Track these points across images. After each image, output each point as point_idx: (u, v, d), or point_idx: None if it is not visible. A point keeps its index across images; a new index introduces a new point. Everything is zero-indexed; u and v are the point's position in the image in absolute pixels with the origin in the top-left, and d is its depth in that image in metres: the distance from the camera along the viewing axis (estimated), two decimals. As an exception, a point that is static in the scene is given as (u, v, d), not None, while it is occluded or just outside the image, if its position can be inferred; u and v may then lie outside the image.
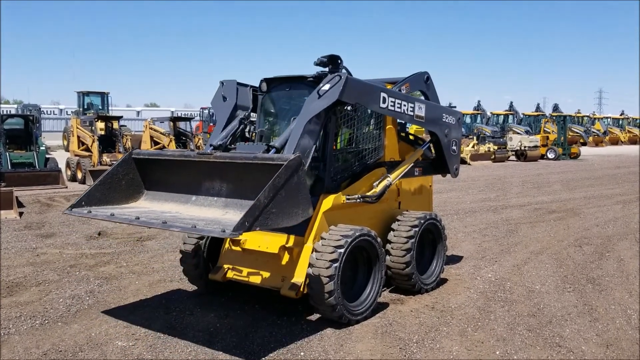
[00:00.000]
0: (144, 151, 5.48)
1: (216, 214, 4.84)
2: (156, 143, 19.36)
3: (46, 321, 5.24)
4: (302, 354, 4.53)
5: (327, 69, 5.48)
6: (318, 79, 5.40)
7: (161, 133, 19.67)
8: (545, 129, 33.36)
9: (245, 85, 6.08)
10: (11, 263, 7.34)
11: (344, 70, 5.48)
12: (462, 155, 20.11)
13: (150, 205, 5.32)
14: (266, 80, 5.95)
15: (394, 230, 5.92)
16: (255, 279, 5.44)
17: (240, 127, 5.86)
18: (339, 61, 5.50)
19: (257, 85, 6.03)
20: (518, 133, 31.75)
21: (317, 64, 5.49)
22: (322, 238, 5.07)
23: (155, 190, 5.45)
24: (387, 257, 5.78)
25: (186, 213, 4.97)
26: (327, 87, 5.09)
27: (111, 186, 5.26)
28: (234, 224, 3.98)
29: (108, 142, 18.13)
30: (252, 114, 6.08)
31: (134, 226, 9.89)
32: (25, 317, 5.32)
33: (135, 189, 5.44)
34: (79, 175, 16.74)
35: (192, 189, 5.18)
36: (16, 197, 11.53)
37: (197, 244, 5.84)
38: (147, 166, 5.43)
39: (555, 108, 51.48)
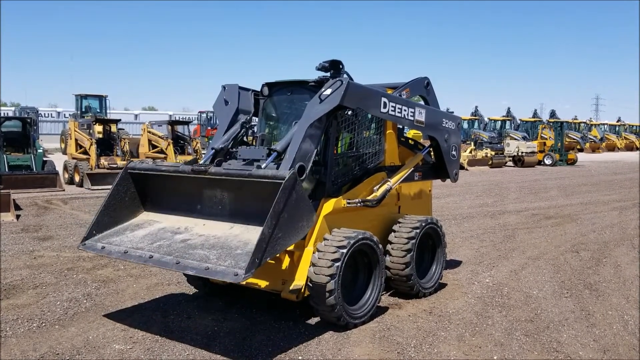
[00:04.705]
0: (140, 165, 5.50)
1: (224, 229, 4.87)
2: (154, 147, 19.37)
3: (43, 324, 5.22)
4: (300, 358, 4.53)
5: (328, 74, 5.50)
6: (319, 83, 5.43)
7: (159, 136, 19.66)
8: (542, 135, 33.50)
9: (247, 90, 6.11)
10: (8, 266, 7.32)
11: (345, 75, 5.51)
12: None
13: (158, 220, 5.33)
14: (268, 84, 5.97)
15: (395, 231, 5.94)
16: (256, 282, 5.44)
17: (242, 131, 5.88)
18: (341, 66, 5.53)
19: (259, 89, 6.06)
20: (515, 139, 31.87)
21: (318, 69, 5.52)
22: (324, 239, 5.09)
23: (156, 203, 5.48)
24: (387, 258, 5.79)
25: (194, 231, 4.99)
26: (328, 91, 5.12)
27: (116, 207, 5.33)
28: (245, 263, 4.07)
29: (106, 145, 18.12)
30: (253, 118, 6.10)
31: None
32: (23, 320, 5.30)
33: (140, 200, 5.49)
34: (77, 178, 16.72)
35: (194, 200, 5.20)
36: (13, 199, 11.50)
37: None
38: (145, 181, 5.44)
39: (553, 114, 51.74)
